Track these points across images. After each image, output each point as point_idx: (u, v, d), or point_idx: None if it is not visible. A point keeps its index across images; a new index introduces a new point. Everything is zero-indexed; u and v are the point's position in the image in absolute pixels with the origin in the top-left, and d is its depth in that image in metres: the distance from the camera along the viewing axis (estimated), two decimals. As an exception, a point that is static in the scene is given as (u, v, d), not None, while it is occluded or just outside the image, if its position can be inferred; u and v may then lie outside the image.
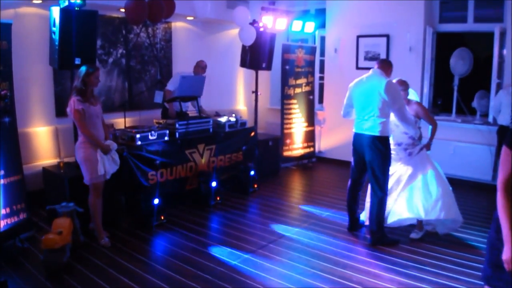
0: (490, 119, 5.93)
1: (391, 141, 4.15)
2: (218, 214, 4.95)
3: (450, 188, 4.13)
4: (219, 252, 3.90)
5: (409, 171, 4.16)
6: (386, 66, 4.10)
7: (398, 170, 4.23)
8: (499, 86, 5.85)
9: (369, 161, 4.03)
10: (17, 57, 4.37)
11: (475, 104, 6.17)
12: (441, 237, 4.20)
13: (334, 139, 7.50)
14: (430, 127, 4.22)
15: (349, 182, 4.38)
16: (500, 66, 5.88)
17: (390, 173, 4.13)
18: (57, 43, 4.18)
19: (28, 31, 5.06)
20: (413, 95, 4.37)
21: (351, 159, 4.31)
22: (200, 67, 5.90)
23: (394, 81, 4.12)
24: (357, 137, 4.15)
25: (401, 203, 4.12)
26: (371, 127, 3.97)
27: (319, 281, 3.36)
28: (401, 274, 3.48)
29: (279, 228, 4.51)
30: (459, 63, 6.03)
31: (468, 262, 3.66)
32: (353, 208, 4.40)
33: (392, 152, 4.13)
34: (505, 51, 5.86)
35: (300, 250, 3.96)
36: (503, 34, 5.85)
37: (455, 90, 6.25)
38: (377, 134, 3.95)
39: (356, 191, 4.35)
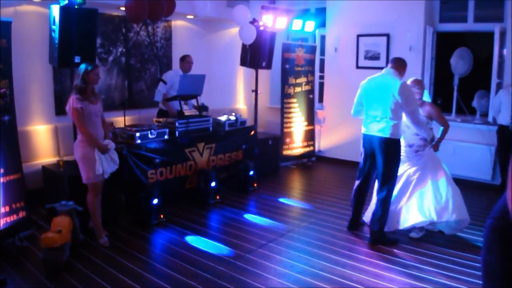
0: (490, 118, 5.94)
1: (402, 142, 4.10)
2: (217, 213, 4.95)
3: (458, 189, 4.09)
4: (219, 251, 3.90)
5: (418, 173, 4.10)
6: (400, 66, 3.97)
7: (406, 172, 4.16)
8: (499, 86, 5.85)
9: (378, 162, 3.97)
10: (17, 55, 4.35)
11: (475, 103, 6.17)
12: (441, 237, 4.20)
13: (334, 138, 7.50)
14: (441, 128, 4.16)
15: (356, 183, 4.30)
16: (500, 66, 5.88)
17: (398, 174, 4.09)
18: (56, 41, 4.17)
19: (28, 29, 5.05)
20: (425, 96, 4.28)
21: (360, 160, 4.24)
22: (190, 63, 5.81)
23: (409, 80, 4.08)
24: (367, 138, 4.07)
25: (413, 208, 4.04)
26: (382, 129, 3.88)
27: (318, 280, 3.36)
28: (401, 273, 3.48)
29: (278, 227, 4.50)
30: (460, 63, 6.02)
31: (468, 262, 3.66)
32: (358, 209, 4.35)
33: (402, 153, 4.09)
34: (505, 51, 5.86)
35: (300, 249, 3.96)
36: (503, 34, 5.85)
37: (455, 90, 6.25)
38: (388, 136, 3.86)
39: (364, 191, 4.29)
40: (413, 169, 4.14)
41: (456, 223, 4.09)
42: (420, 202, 4.03)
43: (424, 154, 4.13)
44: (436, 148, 4.16)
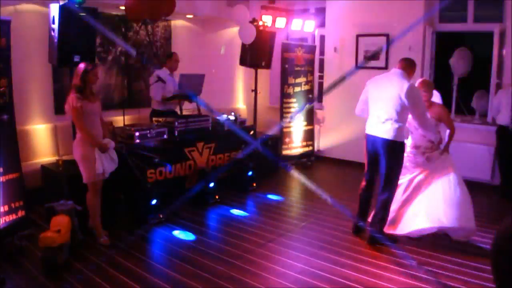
0: (489, 119, 5.94)
1: (409, 143, 4.06)
2: (217, 213, 4.94)
3: (469, 196, 4.01)
4: (218, 250, 3.90)
5: (428, 177, 4.04)
6: (408, 67, 3.87)
7: (417, 176, 4.10)
8: (498, 86, 5.86)
9: (381, 164, 3.93)
10: (16, 54, 4.34)
11: (474, 104, 6.18)
12: (441, 237, 4.18)
13: (333, 138, 7.49)
14: (448, 130, 4.10)
15: (363, 184, 4.22)
16: (499, 66, 5.88)
17: (408, 178, 4.07)
18: (56, 40, 4.15)
19: (27, 28, 5.04)
20: (436, 97, 4.22)
21: (365, 161, 4.18)
22: (178, 61, 5.71)
23: (419, 81, 4.04)
24: (371, 139, 4.00)
25: (421, 213, 3.97)
26: (387, 131, 3.81)
27: (318, 280, 3.35)
28: (401, 273, 3.48)
29: (278, 226, 4.50)
30: (459, 63, 6.02)
31: (468, 262, 3.66)
32: (364, 212, 4.24)
33: (410, 155, 4.06)
34: (504, 51, 5.86)
35: (299, 249, 3.96)
36: (502, 34, 5.85)
37: (454, 90, 6.25)
38: (392, 138, 3.80)
39: (370, 194, 4.20)
40: (424, 173, 4.07)
41: (463, 230, 3.99)
42: (430, 209, 3.94)
43: (434, 159, 4.05)
44: (446, 151, 4.09)
